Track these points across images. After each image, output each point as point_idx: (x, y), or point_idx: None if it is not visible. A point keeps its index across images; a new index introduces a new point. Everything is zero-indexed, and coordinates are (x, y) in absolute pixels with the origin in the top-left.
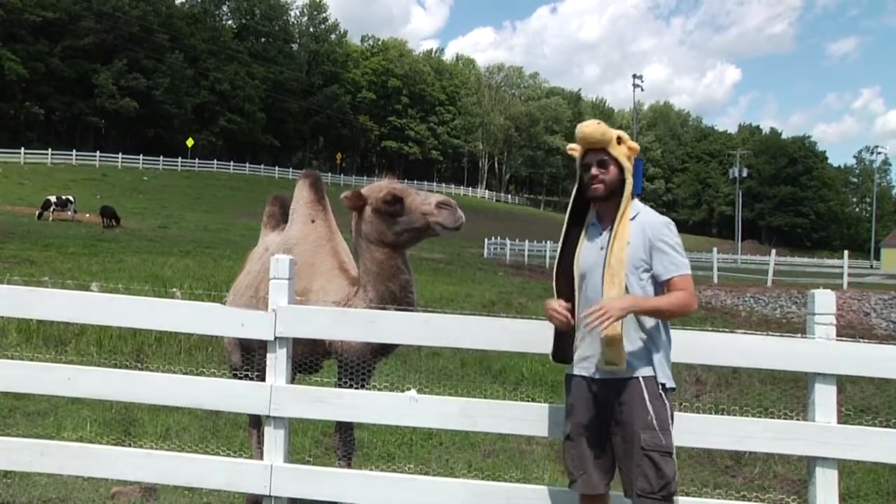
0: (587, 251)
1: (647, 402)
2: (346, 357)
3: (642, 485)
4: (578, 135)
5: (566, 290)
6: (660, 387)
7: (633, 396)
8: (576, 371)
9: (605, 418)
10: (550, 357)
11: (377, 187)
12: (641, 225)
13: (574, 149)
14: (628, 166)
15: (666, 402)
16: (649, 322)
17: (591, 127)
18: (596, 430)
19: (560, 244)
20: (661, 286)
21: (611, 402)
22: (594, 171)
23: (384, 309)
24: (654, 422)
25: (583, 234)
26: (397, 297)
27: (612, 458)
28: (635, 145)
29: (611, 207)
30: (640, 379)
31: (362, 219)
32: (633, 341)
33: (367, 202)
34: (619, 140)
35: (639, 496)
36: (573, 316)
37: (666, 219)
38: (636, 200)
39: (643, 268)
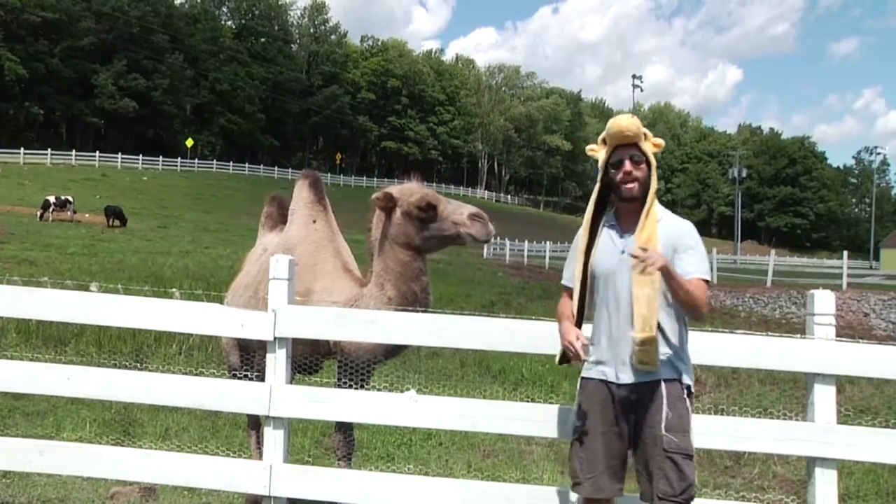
0: (606, 254)
1: (671, 405)
2: (354, 357)
3: (664, 487)
4: (612, 129)
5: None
6: (684, 390)
7: (656, 399)
8: (593, 374)
9: (623, 422)
10: (556, 361)
11: (408, 190)
12: (665, 229)
13: (594, 150)
14: (654, 163)
15: (688, 404)
16: (673, 325)
17: (627, 121)
18: (611, 434)
19: (584, 246)
20: None
21: (631, 406)
22: (628, 167)
23: (405, 308)
24: (677, 424)
25: (599, 234)
26: (418, 298)
27: (623, 462)
28: (660, 141)
29: (634, 208)
30: (663, 382)
31: (390, 220)
32: (660, 344)
33: (397, 204)
34: (646, 136)
35: (660, 499)
36: (582, 317)
37: (689, 223)
38: (657, 203)
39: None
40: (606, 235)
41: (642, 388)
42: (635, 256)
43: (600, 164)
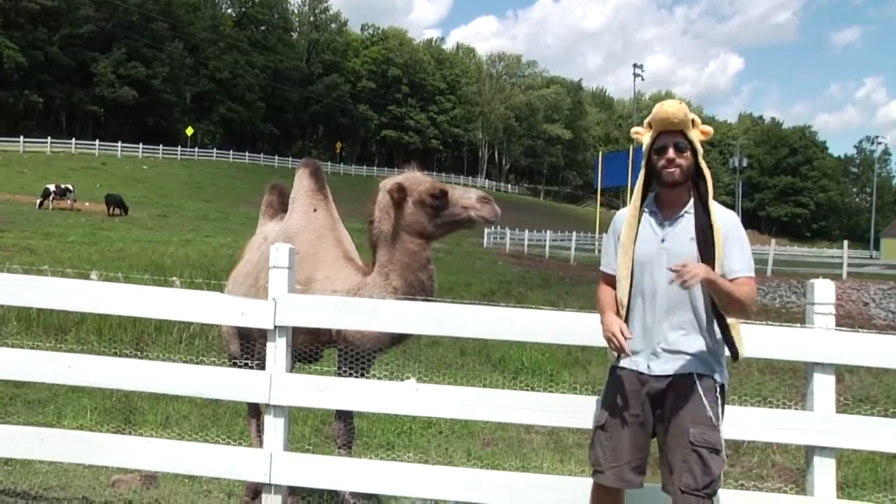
0: (645, 243)
1: (702, 398)
2: (358, 346)
3: (687, 480)
4: (659, 115)
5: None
6: (717, 387)
7: (688, 392)
8: (624, 364)
9: (650, 413)
10: (614, 360)
11: (415, 179)
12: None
13: (639, 133)
14: (701, 151)
15: (720, 401)
16: (712, 321)
17: (674, 107)
18: (639, 424)
19: (633, 235)
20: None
21: (661, 397)
22: (671, 154)
23: (413, 298)
24: (706, 418)
25: (641, 221)
26: (425, 287)
27: (646, 454)
28: (708, 129)
29: (676, 196)
30: (696, 375)
31: (401, 210)
32: (695, 338)
33: (408, 194)
34: (694, 123)
35: (682, 492)
36: (627, 306)
37: (733, 213)
38: None
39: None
40: (646, 223)
41: (674, 380)
42: (674, 270)
43: (644, 148)
